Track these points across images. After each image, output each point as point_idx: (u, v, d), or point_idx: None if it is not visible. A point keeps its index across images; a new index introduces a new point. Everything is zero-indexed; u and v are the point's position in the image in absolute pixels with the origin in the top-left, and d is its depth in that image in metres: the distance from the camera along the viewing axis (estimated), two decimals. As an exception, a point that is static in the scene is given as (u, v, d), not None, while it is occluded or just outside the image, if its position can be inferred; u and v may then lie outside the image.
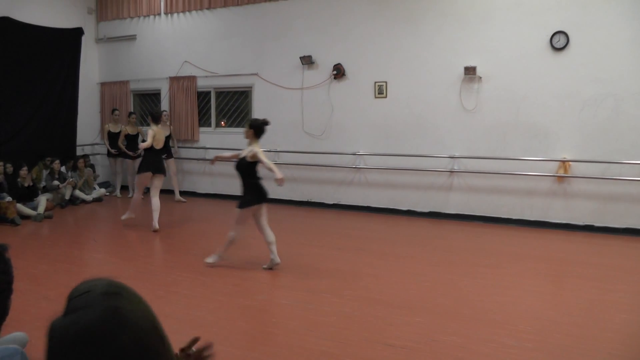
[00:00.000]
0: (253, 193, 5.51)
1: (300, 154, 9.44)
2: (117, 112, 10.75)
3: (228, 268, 5.70)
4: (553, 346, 3.82)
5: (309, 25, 9.28)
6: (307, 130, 9.41)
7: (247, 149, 5.51)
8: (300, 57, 9.27)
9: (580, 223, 7.68)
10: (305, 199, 9.57)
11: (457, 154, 8.30)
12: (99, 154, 11.68)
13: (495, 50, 8.00)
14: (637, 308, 4.70)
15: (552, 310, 4.55)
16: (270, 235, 5.59)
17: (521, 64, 7.87)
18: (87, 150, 11.41)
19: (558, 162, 7.76)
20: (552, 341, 3.91)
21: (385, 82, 8.73)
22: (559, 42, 7.64)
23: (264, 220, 5.61)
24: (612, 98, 7.43)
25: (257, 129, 5.47)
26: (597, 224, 7.59)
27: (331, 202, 9.34)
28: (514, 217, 8.09)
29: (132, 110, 11.05)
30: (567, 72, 7.64)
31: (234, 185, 10.05)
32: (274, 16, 9.62)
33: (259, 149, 5.41)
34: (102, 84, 11.71)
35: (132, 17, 11.23)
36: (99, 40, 11.67)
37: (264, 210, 5.61)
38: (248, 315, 4.50)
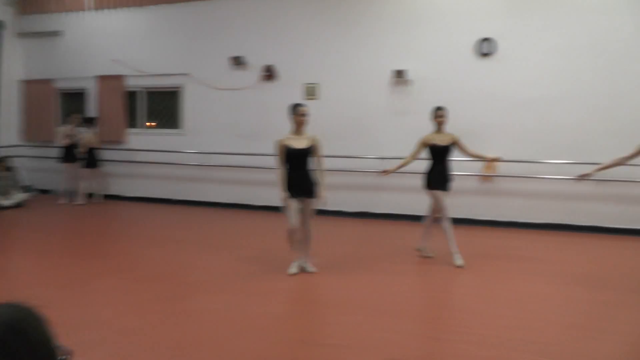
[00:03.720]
0: (438, 178, 5.82)
1: (233, 155, 9.27)
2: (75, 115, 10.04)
3: (155, 274, 5.41)
4: (481, 337, 3.87)
5: (240, 25, 9.20)
6: (239, 132, 9.27)
7: (443, 136, 5.86)
8: (230, 58, 9.15)
9: (505, 219, 7.96)
10: (235, 201, 9.38)
11: (387, 155, 8.39)
12: (23, 156, 10.97)
13: (426, 54, 8.24)
14: (564, 298, 4.85)
15: (480, 303, 4.63)
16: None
17: (450, 68, 8.14)
18: (4, 152, 10.71)
19: (485, 162, 7.97)
20: (480, 332, 3.96)
21: (317, 84, 8.75)
22: (487, 48, 7.98)
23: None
24: (537, 102, 7.81)
25: None
26: (519, 220, 7.85)
27: (260, 204, 9.20)
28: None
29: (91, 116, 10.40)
30: (494, 76, 7.98)
31: (163, 188, 9.87)
32: (205, 15, 9.48)
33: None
34: (25, 82, 11.11)
35: (59, 12, 10.73)
36: (21, 34, 11.06)
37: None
38: (176, 322, 4.16)
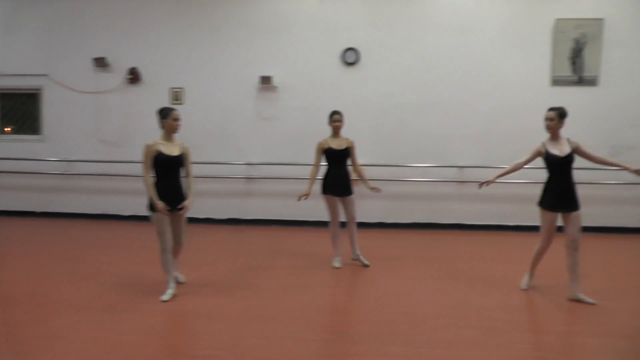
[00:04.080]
0: (332, 183, 5.79)
1: (96, 163, 8.72)
2: None
3: (18, 294, 4.95)
4: (351, 334, 4.06)
5: (103, 25, 8.63)
6: (103, 137, 8.73)
7: (339, 140, 5.79)
8: (93, 59, 8.59)
9: (373, 220, 8.13)
10: (100, 212, 8.85)
11: (254, 161, 8.32)
12: None
13: (292, 61, 8.26)
14: (431, 291, 5.18)
15: (347, 301, 4.85)
16: None
17: (316, 76, 8.25)
18: None
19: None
20: (351, 330, 4.16)
21: (182, 88, 8.44)
22: (351, 57, 8.16)
23: None
24: (398, 109, 8.10)
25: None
26: (387, 221, 8.05)
27: (128, 214, 8.75)
28: (310, 219, 8.36)
29: None
30: (358, 85, 8.21)
31: (22, 200, 9.03)
32: (66, 12, 8.76)
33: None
34: None
35: None
36: None
37: None
38: (38, 345, 3.81)
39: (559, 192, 4.86)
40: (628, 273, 5.97)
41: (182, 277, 5.25)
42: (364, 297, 5.08)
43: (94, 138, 8.74)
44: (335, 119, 5.89)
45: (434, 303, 4.83)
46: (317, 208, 8.30)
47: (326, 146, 5.86)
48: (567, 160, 4.85)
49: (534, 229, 8.06)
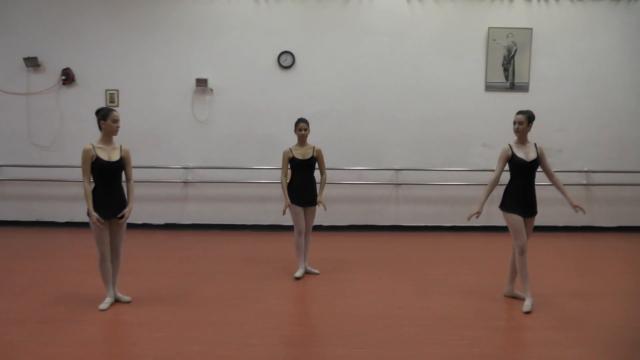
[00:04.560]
0: (298, 193, 5.67)
1: (27, 168, 8.43)
2: None
3: None
4: (291, 337, 4.10)
5: (34, 23, 8.33)
6: (35, 141, 8.45)
7: (305, 149, 5.67)
8: (24, 59, 8.29)
9: (315, 223, 8.17)
10: (34, 219, 8.57)
11: (191, 165, 8.26)
12: None
13: (227, 64, 8.22)
14: (366, 293, 5.28)
15: (289, 305, 4.90)
16: None
17: (252, 79, 8.24)
18: None
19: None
20: (292, 334, 4.19)
21: (117, 90, 8.27)
22: (286, 61, 8.20)
23: None
24: (334, 113, 8.18)
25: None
26: (324, 224, 8.13)
27: (64, 220, 8.51)
28: (249, 223, 8.37)
29: None
30: (294, 88, 8.26)
31: None
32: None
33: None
34: None
35: None
36: None
37: None
38: None
39: (522, 196, 4.81)
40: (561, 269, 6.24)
41: (125, 298, 4.95)
42: (305, 300, 5.14)
43: (25, 142, 8.44)
44: (301, 127, 5.68)
45: (375, 304, 4.94)
46: (255, 212, 8.36)
47: (290, 156, 5.68)
48: (533, 165, 4.82)
49: (469, 229, 8.38)
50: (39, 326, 4.32)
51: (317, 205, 5.84)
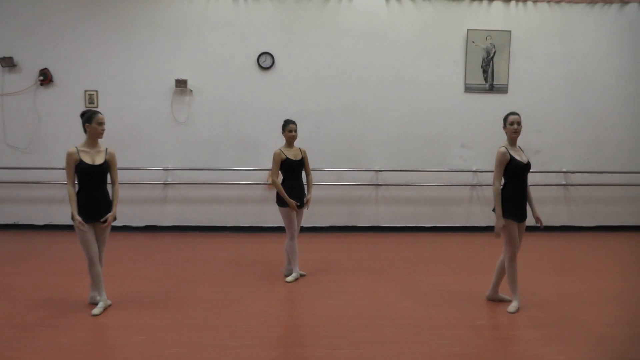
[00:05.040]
0: (290, 195, 5.58)
1: (3, 170, 8.28)
2: None
3: None
4: (270, 339, 4.12)
5: (10, 23, 8.18)
6: (10, 142, 8.31)
7: (294, 150, 5.66)
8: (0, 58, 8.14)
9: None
10: (11, 222, 8.41)
11: (170, 166, 8.20)
12: None
13: (206, 65, 8.18)
14: (346, 293, 5.31)
15: (269, 307, 4.87)
16: None
17: (231, 80, 8.21)
18: None
19: (268, 171, 8.15)
20: (269, 335, 4.20)
21: (96, 91, 8.17)
22: (265, 62, 8.20)
23: None
24: (313, 114, 8.18)
25: None
26: (304, 225, 8.09)
27: (42, 223, 8.38)
28: (229, 225, 8.36)
29: None
30: (273, 89, 8.25)
31: None
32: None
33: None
34: None
35: None
36: None
37: None
38: None
39: (518, 201, 4.70)
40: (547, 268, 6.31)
41: (107, 301, 4.86)
42: (285, 302, 5.14)
43: (1, 143, 8.29)
44: (292, 128, 5.62)
45: (355, 304, 4.96)
46: (235, 213, 8.32)
47: (283, 157, 5.59)
48: (528, 167, 4.74)
49: (449, 229, 8.46)
50: (16, 331, 4.26)
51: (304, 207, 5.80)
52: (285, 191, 5.56)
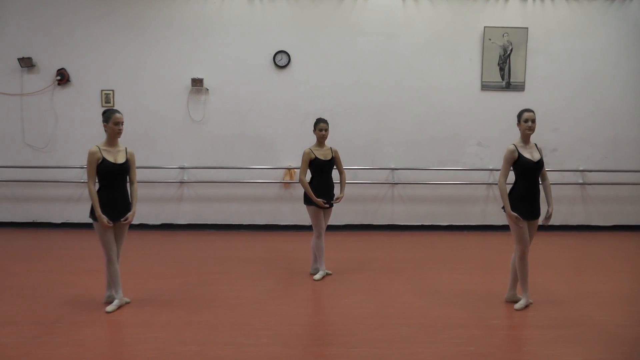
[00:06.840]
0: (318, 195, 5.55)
1: (22, 169, 8.40)
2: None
3: None
4: (286, 337, 4.11)
5: (28, 24, 8.30)
6: (29, 142, 8.43)
7: (325, 150, 5.60)
8: (18, 59, 8.25)
9: (307, 224, 8.16)
10: (30, 220, 8.54)
11: (186, 165, 8.25)
12: None
13: (222, 64, 8.21)
14: (362, 292, 5.32)
15: (284, 305, 4.88)
16: None
17: (247, 79, 8.22)
18: None
19: (284, 170, 8.18)
20: (285, 333, 4.19)
21: (113, 91, 8.26)
22: (282, 60, 8.19)
23: None
24: (329, 113, 8.17)
25: None
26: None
27: (60, 221, 8.49)
28: (244, 223, 8.40)
29: None
30: (289, 88, 8.25)
31: None
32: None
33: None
34: None
35: None
36: None
37: None
38: None
39: (528, 199, 4.65)
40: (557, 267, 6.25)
41: (124, 299, 4.90)
42: (300, 300, 5.13)
43: (20, 142, 8.41)
44: (322, 127, 5.55)
45: (370, 303, 4.96)
46: (251, 212, 8.34)
47: (312, 157, 5.53)
48: (539, 166, 4.67)
49: (465, 228, 8.41)
50: (33, 327, 4.32)
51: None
52: (312, 190, 5.53)
